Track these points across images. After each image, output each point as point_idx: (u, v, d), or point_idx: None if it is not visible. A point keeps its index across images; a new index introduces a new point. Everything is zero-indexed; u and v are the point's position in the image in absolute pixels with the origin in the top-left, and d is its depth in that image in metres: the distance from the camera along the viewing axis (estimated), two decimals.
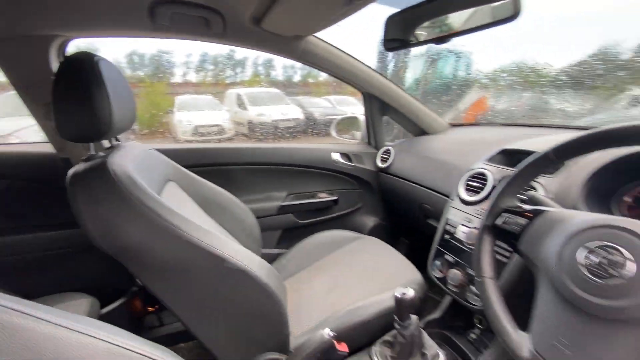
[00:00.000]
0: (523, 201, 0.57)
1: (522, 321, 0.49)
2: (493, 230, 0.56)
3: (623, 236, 0.39)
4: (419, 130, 1.44)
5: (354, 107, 10.57)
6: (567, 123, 1.52)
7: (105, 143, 0.73)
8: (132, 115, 0.73)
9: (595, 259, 0.40)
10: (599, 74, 1.87)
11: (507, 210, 0.55)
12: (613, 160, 0.61)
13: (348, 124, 1.72)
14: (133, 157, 0.69)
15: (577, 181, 0.64)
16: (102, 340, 0.25)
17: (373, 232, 1.48)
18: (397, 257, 1.07)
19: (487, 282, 0.54)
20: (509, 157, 0.89)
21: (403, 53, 3.01)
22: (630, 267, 0.38)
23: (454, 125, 1.48)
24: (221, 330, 0.70)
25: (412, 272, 0.99)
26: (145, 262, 0.61)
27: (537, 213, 0.51)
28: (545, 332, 0.44)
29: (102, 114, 0.59)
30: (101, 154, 0.67)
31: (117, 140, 0.78)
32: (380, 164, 1.45)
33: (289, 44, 1.09)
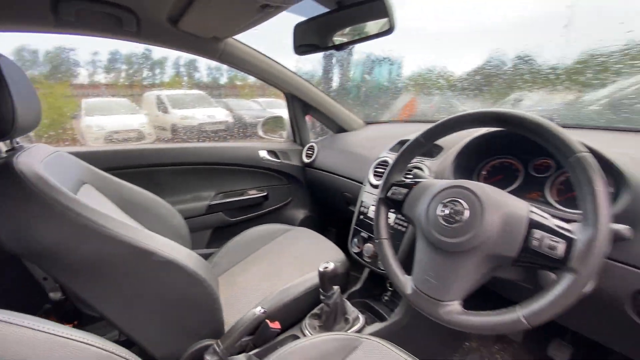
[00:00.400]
0: (407, 177, 0.72)
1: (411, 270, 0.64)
2: (386, 201, 0.69)
3: (463, 192, 0.55)
4: (338, 127, 1.59)
5: (285, 109, 10.62)
6: None
7: (7, 144, 0.69)
8: (37, 115, 0.70)
9: (447, 210, 0.55)
10: (491, 80, 2.26)
11: (394, 184, 0.69)
12: (469, 142, 0.81)
13: (274, 123, 1.80)
14: (41, 158, 0.66)
15: (449, 161, 0.83)
16: (42, 331, 0.28)
17: (303, 224, 1.58)
18: (325, 242, 1.18)
19: (383, 242, 0.67)
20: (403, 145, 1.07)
21: (346, 60, 3.24)
22: (466, 213, 0.53)
23: (368, 123, 1.66)
24: (155, 325, 0.71)
25: (336, 253, 1.10)
26: (65, 263, 0.60)
27: (415, 183, 0.65)
28: (421, 272, 0.58)
29: (3, 112, 0.56)
30: (3, 155, 0.63)
31: (17, 143, 0.73)
32: (305, 160, 1.56)
33: (207, 45, 1.12)
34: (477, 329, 0.50)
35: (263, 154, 1.51)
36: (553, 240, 0.47)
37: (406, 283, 0.60)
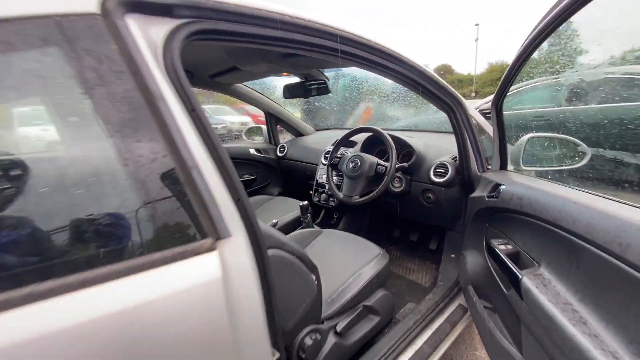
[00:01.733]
0: (338, 156, 1.67)
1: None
2: (332, 166, 1.63)
3: (359, 157, 1.52)
4: (298, 133, 2.49)
5: (231, 115, 11.01)
6: (390, 125, 2.78)
7: None
8: None
9: (352, 164, 1.51)
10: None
11: (333, 158, 1.63)
12: (366, 138, 1.79)
13: (255, 131, 2.62)
14: None
15: (358, 147, 1.80)
16: None
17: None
18: (294, 201, 2.05)
19: (333, 188, 1.61)
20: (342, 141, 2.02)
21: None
22: (358, 164, 1.50)
23: (317, 130, 2.59)
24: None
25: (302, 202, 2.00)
26: None
27: (341, 156, 1.60)
28: (345, 188, 1.53)
29: None
30: None
31: None
32: (279, 154, 2.43)
33: (227, 87, 1.94)
34: (359, 202, 1.47)
35: (252, 151, 2.34)
36: (381, 166, 1.45)
37: (339, 194, 1.55)
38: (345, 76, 3.72)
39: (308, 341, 0.94)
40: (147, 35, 0.50)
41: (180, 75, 0.52)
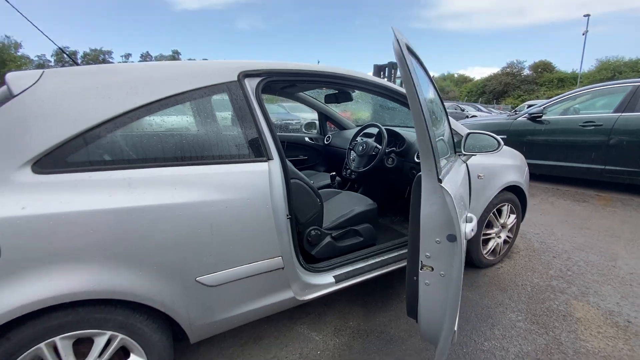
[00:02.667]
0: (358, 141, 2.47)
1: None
2: (350, 149, 2.45)
3: (365, 140, 2.31)
4: (342, 127, 3.33)
5: (305, 113, 12.38)
6: (393, 122, 3.53)
7: None
8: None
9: (361, 147, 2.31)
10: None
11: (353, 143, 2.44)
12: (377, 132, 2.55)
13: (310, 125, 3.55)
14: None
15: (373, 138, 2.57)
16: None
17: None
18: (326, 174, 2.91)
19: (350, 163, 2.43)
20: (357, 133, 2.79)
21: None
22: (366, 146, 2.29)
23: (357, 125, 3.40)
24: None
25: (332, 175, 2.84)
26: None
27: (356, 142, 2.41)
28: (356, 164, 2.34)
29: None
30: None
31: None
32: (325, 142, 3.31)
33: None
34: (362, 171, 2.26)
35: (307, 139, 3.28)
36: (377, 148, 2.22)
37: (352, 166, 2.36)
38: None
39: (313, 233, 1.81)
40: (251, 85, 1.42)
41: (261, 99, 1.44)
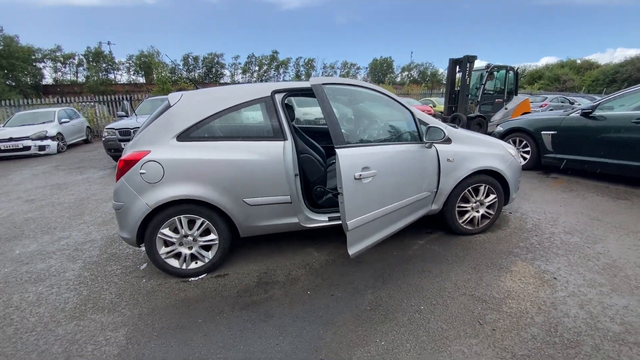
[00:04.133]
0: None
1: None
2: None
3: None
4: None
5: (307, 107, 13.20)
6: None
7: None
8: None
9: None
10: None
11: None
12: None
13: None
14: None
15: None
16: None
17: None
18: None
19: None
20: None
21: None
22: None
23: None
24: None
25: None
26: None
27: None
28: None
29: None
30: None
31: None
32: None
33: None
34: None
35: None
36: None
37: None
38: None
39: (318, 189, 2.84)
40: (279, 99, 2.53)
41: (283, 106, 2.53)
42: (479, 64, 10.02)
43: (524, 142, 5.50)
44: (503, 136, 5.71)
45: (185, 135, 2.36)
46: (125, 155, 2.36)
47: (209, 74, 53.74)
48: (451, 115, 9.71)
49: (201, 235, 2.48)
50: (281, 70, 58.73)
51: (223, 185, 2.38)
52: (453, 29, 75.85)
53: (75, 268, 2.76)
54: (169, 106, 2.45)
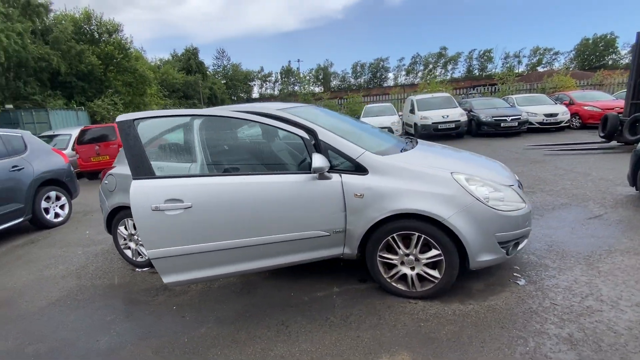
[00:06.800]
0: None
1: None
2: None
3: None
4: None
5: (545, 106, 10.71)
6: None
7: None
8: None
9: None
10: None
11: None
12: None
13: None
14: None
15: None
16: None
17: None
18: None
19: None
20: None
21: None
22: None
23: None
24: None
25: None
26: None
27: None
28: None
29: None
30: None
31: None
32: None
33: None
34: None
35: None
36: None
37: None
38: None
39: None
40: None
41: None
42: None
43: None
44: None
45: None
46: None
47: (373, 78, 56.37)
48: (631, 117, 6.67)
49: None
50: (449, 67, 54.26)
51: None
52: None
53: None
54: None
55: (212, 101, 41.22)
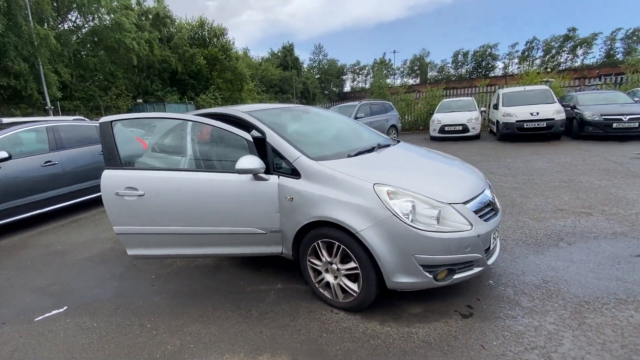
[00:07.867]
0: None
1: None
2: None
3: None
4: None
5: None
6: None
7: None
8: None
9: None
10: None
11: None
12: None
13: None
14: None
15: None
16: None
17: None
18: None
19: None
20: None
21: None
22: None
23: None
24: None
25: None
26: None
27: None
28: None
29: None
30: None
31: None
32: None
33: None
34: None
35: None
36: None
37: None
38: None
39: None
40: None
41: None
42: None
43: None
44: None
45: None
46: None
47: (477, 68, 50.44)
48: None
49: None
50: (579, 52, 44.49)
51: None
52: None
53: None
54: None
55: (305, 95, 43.60)
